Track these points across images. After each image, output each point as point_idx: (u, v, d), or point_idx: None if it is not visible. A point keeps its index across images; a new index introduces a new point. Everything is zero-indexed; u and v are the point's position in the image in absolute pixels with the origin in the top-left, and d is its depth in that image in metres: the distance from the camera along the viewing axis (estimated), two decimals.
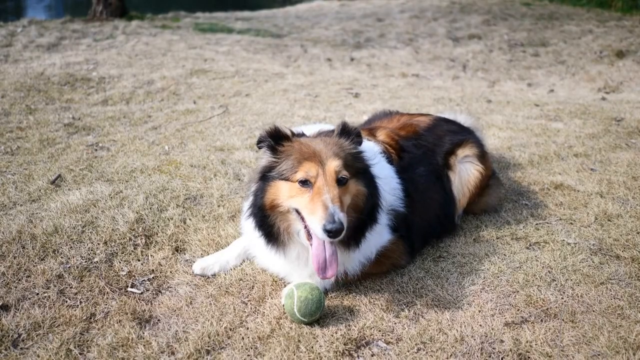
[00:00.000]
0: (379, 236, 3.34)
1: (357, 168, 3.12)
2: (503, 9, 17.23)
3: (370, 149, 3.51)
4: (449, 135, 4.20)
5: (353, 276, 3.30)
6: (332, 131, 3.28)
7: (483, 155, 4.23)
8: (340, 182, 2.97)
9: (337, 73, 9.82)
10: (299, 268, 3.22)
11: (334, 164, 2.96)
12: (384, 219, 3.34)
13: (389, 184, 3.45)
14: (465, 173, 4.10)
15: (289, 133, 3.15)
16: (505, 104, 7.61)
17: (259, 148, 3.21)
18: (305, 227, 2.95)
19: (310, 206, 2.86)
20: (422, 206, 3.71)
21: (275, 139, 3.11)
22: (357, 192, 3.07)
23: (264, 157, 3.16)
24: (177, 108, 7.09)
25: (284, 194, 3.00)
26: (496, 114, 7.01)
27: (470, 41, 13.15)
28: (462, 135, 4.28)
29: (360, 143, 3.25)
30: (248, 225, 3.30)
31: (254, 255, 3.54)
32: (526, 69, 10.72)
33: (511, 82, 9.66)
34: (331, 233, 2.75)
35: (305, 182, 2.93)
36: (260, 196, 3.08)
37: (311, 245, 2.96)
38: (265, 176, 3.09)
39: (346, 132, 3.20)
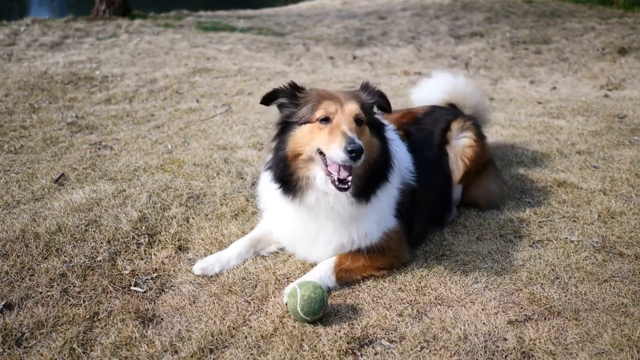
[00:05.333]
0: (387, 215, 3.46)
1: (372, 119, 3.30)
2: (505, 7, 17.20)
3: (384, 122, 3.67)
4: (446, 116, 4.37)
5: (369, 246, 3.38)
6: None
7: (478, 131, 4.36)
8: (358, 122, 3.12)
9: (340, 71, 9.82)
10: (315, 216, 3.28)
11: (352, 105, 3.15)
12: (394, 190, 3.45)
13: (402, 156, 3.61)
14: (460, 145, 4.22)
15: (305, 87, 3.34)
16: (508, 101, 7.60)
17: (277, 98, 3.33)
18: (326, 163, 3.07)
19: (330, 137, 3.01)
20: (426, 188, 3.79)
21: (294, 89, 3.28)
22: (370, 140, 3.20)
23: (284, 110, 3.31)
24: (179, 107, 7.10)
25: (305, 138, 3.12)
26: (499, 111, 7.00)
27: (472, 39, 13.12)
28: (456, 114, 4.46)
29: (378, 102, 3.42)
30: (265, 183, 3.46)
31: (269, 212, 3.66)
32: (528, 66, 10.69)
33: (513, 80, 9.64)
34: (353, 153, 2.88)
35: (324, 120, 3.08)
36: (282, 147, 3.19)
37: (329, 178, 3.07)
38: (286, 125, 3.23)
39: (366, 88, 3.41)
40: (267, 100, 3.35)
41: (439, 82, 5.04)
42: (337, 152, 2.93)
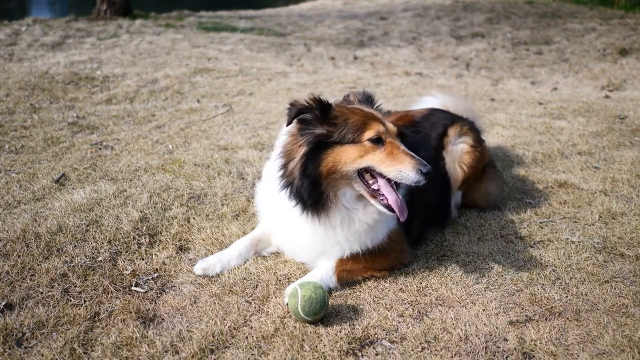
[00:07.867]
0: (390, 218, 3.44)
1: None
2: (506, 7, 17.21)
3: None
4: (443, 121, 4.32)
5: (372, 247, 3.37)
6: (347, 99, 3.51)
7: (476, 136, 4.32)
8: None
9: (341, 72, 9.82)
10: (333, 233, 3.25)
11: (391, 124, 3.23)
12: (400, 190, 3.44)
13: None
14: (457, 152, 4.18)
15: (329, 101, 3.21)
16: (509, 102, 7.60)
17: (299, 114, 3.09)
18: (367, 184, 3.12)
19: (391, 158, 3.06)
20: (423, 188, 3.74)
21: (323, 106, 3.11)
22: None
23: (310, 127, 3.11)
24: (180, 107, 7.10)
25: (350, 156, 3.07)
26: (500, 112, 7.00)
27: (473, 39, 13.12)
28: (454, 119, 4.40)
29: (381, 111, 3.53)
30: (269, 197, 3.43)
31: (276, 227, 3.61)
32: (529, 67, 10.69)
33: (514, 81, 9.64)
34: (428, 174, 3.00)
35: (376, 140, 3.08)
36: (314, 165, 3.07)
37: (378, 200, 3.11)
38: (322, 144, 3.08)
39: (370, 100, 3.49)
40: (293, 119, 3.10)
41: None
42: (408, 174, 3.01)
